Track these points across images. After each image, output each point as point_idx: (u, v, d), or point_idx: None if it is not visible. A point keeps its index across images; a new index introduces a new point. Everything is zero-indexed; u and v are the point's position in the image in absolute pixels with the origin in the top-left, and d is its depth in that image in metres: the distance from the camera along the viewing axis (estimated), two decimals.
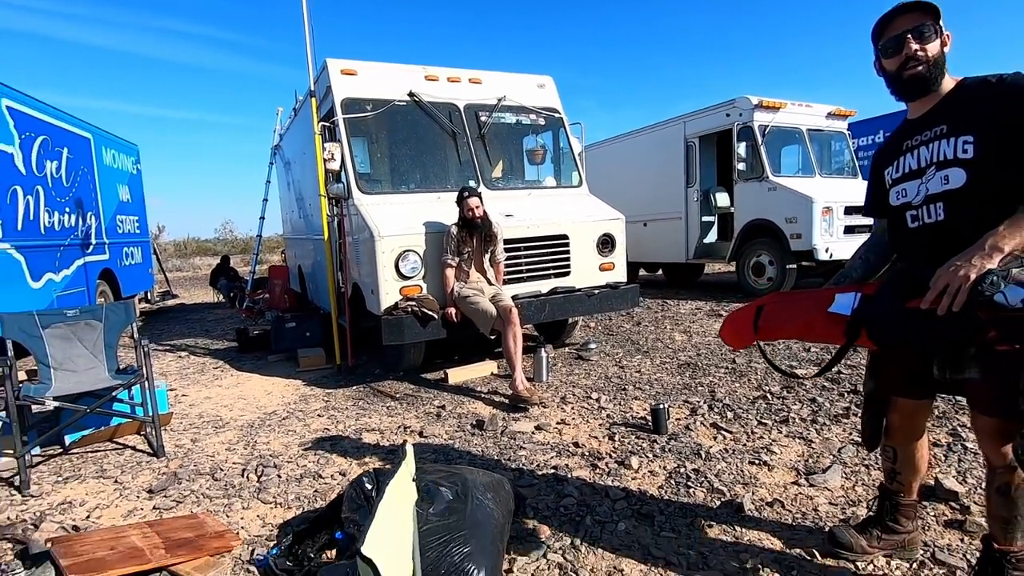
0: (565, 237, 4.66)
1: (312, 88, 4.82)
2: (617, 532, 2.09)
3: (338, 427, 3.41)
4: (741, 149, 7.34)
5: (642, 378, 4.12)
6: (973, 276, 1.26)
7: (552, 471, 2.63)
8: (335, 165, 4.40)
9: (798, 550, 1.92)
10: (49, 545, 2.02)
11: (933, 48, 1.50)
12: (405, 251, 4.04)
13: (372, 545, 0.71)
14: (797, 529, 2.06)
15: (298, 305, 7.18)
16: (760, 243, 7.31)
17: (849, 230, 6.87)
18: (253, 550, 2.07)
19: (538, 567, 1.90)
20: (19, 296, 5.38)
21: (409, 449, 0.99)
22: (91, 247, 7.20)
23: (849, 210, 6.83)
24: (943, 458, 2.55)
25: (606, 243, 4.89)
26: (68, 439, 3.24)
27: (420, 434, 3.22)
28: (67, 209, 6.64)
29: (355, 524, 1.89)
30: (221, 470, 2.85)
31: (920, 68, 1.51)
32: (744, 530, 2.06)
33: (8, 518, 2.43)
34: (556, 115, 5.55)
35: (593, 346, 5.05)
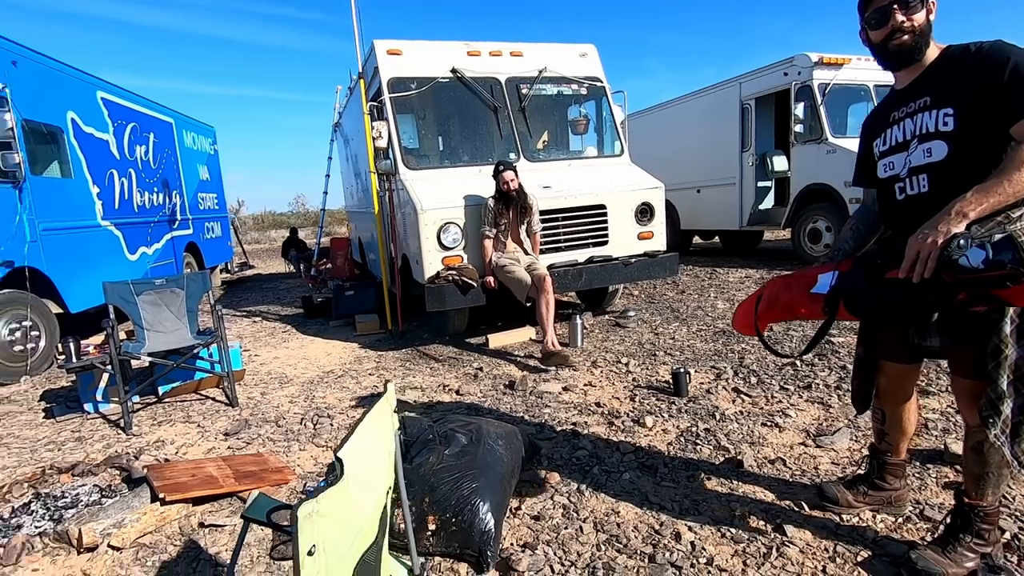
0: (603, 207, 4.75)
1: (361, 70, 5.09)
2: (621, 481, 2.29)
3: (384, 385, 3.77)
4: (799, 110, 7.01)
5: (675, 344, 4.22)
6: (940, 241, 1.32)
7: (571, 427, 2.84)
8: (383, 143, 4.68)
9: (787, 502, 2.05)
10: (145, 471, 2.47)
11: (919, 18, 1.51)
12: (446, 223, 4.29)
13: (347, 451, 0.95)
14: (792, 484, 2.18)
15: (359, 274, 7.67)
16: (817, 208, 7.03)
17: None
18: (305, 483, 2.43)
19: (544, 507, 2.14)
20: (118, 267, 6.13)
21: (391, 387, 1.23)
22: (177, 223, 7.98)
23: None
24: (954, 424, 2.54)
25: (644, 212, 4.93)
26: (161, 390, 3.79)
27: (457, 392, 3.51)
28: (155, 189, 7.38)
29: None
30: (284, 419, 3.27)
31: (906, 38, 1.53)
32: (740, 483, 2.20)
33: (116, 451, 2.94)
34: (598, 84, 5.56)
35: (632, 313, 5.16)
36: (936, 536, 1.72)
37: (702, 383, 3.35)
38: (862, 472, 2.04)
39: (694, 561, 1.77)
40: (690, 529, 1.94)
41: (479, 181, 4.64)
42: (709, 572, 1.72)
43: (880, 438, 1.92)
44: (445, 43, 5.19)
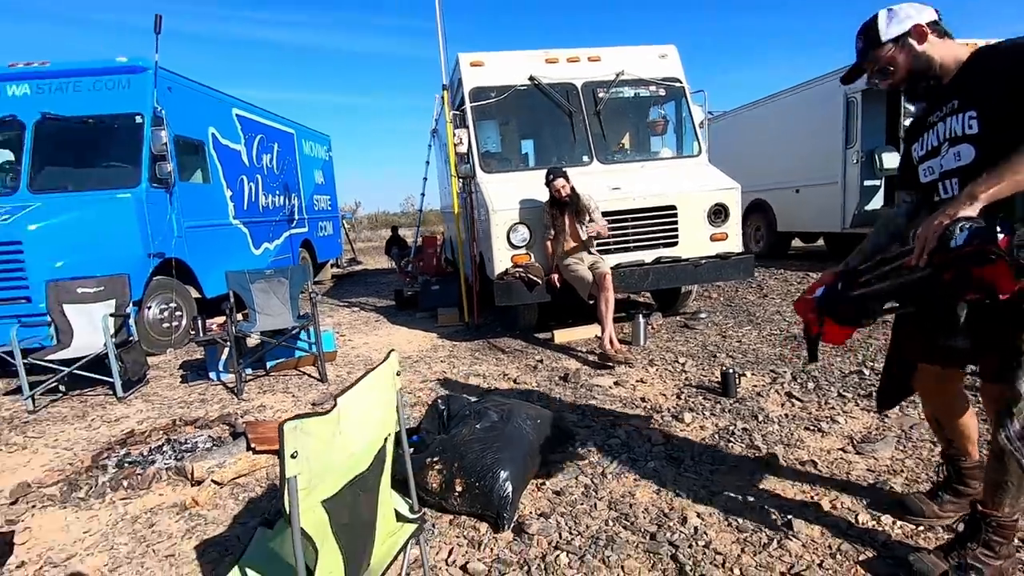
0: (672, 208, 4.77)
1: (444, 82, 5.51)
2: (645, 468, 2.41)
3: (453, 371, 4.12)
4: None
5: (739, 347, 4.16)
6: (945, 223, 1.32)
7: (611, 418, 2.99)
8: (463, 148, 5.05)
9: (805, 498, 2.07)
10: (244, 427, 2.99)
11: (903, 65, 1.57)
12: (515, 224, 4.56)
13: (343, 398, 1.22)
14: (817, 484, 2.18)
15: (449, 271, 8.20)
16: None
17: None
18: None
19: (567, 485, 2.33)
20: (245, 260, 7.09)
21: (393, 355, 1.49)
22: (295, 222, 9.00)
23: None
24: None
25: (718, 213, 4.87)
26: (268, 364, 4.42)
27: (514, 381, 3.77)
28: (277, 192, 8.40)
29: (427, 431, 2.50)
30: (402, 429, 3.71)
31: (903, 86, 1.62)
32: (763, 480, 2.24)
33: (228, 411, 3.54)
34: (677, 84, 5.55)
35: (703, 315, 5.11)
36: (944, 542, 1.69)
37: (755, 386, 3.32)
38: (939, 480, 1.99)
39: (692, 543, 1.88)
40: (698, 515, 2.04)
41: None
42: (704, 553, 1.82)
43: (948, 445, 1.87)
44: (526, 52, 5.46)
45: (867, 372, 3.36)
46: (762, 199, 9.40)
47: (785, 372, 3.49)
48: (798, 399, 3.05)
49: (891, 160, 7.12)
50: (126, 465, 2.79)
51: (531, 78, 5.28)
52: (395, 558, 1.39)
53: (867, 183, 7.61)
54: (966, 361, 1.71)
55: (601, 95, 5.35)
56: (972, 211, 1.32)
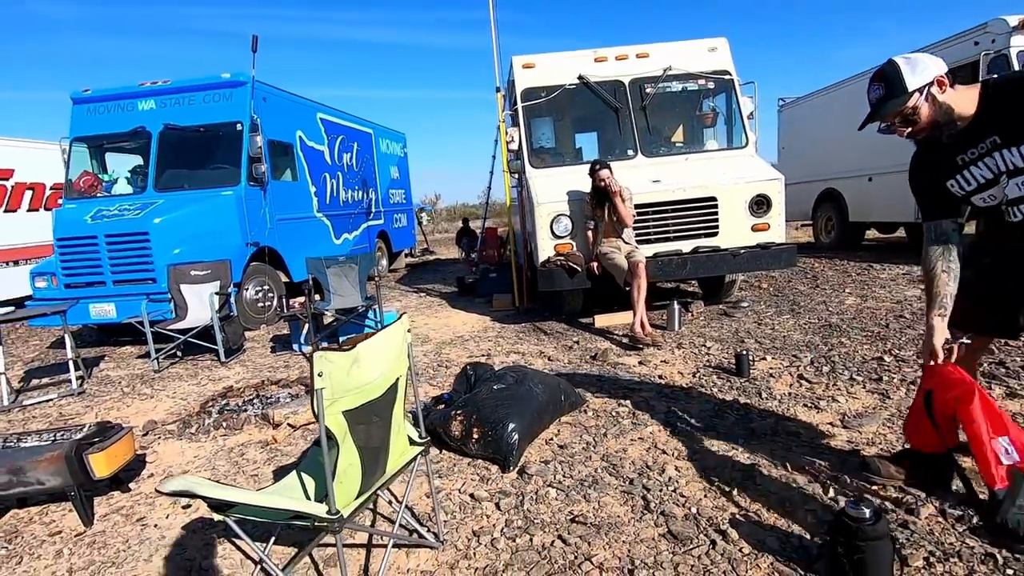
0: (713, 199, 4.92)
1: (497, 85, 5.92)
2: (643, 432, 2.74)
3: (496, 348, 4.58)
4: None
5: (771, 334, 4.29)
6: None
7: (626, 391, 3.31)
8: (515, 146, 5.47)
9: (776, 459, 2.32)
10: None
11: (925, 115, 1.67)
12: (558, 215, 4.92)
13: (363, 345, 1.68)
14: (794, 448, 2.42)
15: (509, 261, 8.67)
16: None
17: None
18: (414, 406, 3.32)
19: (571, 441, 2.70)
20: (327, 249, 7.92)
21: (405, 317, 1.93)
22: (372, 215, 9.82)
23: None
24: None
25: (760, 204, 4.96)
26: (341, 339, 5.09)
27: (549, 358, 4.16)
28: (356, 187, 9.23)
29: (456, 391, 2.97)
30: (415, 365, 4.24)
31: (924, 134, 1.73)
32: (746, 445, 2.50)
33: (304, 375, 4.20)
34: (726, 77, 5.64)
35: (745, 304, 5.23)
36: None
37: (771, 368, 3.50)
38: (906, 448, 2.15)
39: (663, 487, 2.21)
40: (676, 469, 2.35)
41: None
42: (671, 496, 2.15)
43: None
44: (576, 52, 5.76)
45: (888, 360, 3.44)
46: (833, 188, 9.09)
47: (806, 357, 3.63)
48: (807, 381, 3.22)
49: None
50: (225, 412, 3.48)
51: (580, 77, 5.58)
52: (404, 468, 1.85)
53: None
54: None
55: (648, 90, 5.56)
56: None
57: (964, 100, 1.66)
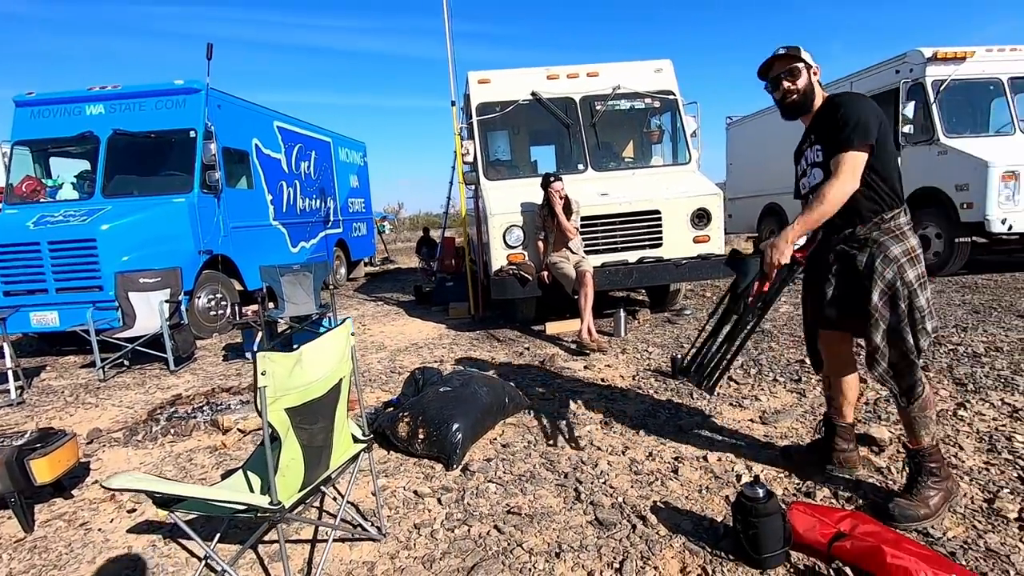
0: (657, 212, 5.19)
1: (453, 99, 6.09)
2: (581, 431, 2.90)
3: (450, 355, 4.69)
4: (908, 110, 6.59)
5: None
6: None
7: (569, 393, 3.48)
8: (470, 158, 5.63)
9: (700, 453, 2.53)
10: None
11: (803, 82, 2.06)
12: (511, 226, 5.09)
13: (306, 347, 1.79)
14: (715, 443, 2.63)
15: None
16: (926, 214, 6.57)
17: None
18: (367, 411, 3.41)
19: (513, 440, 2.85)
20: (283, 257, 7.88)
21: (348, 320, 2.05)
22: (330, 223, 9.80)
23: None
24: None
25: (701, 217, 5.26)
26: (295, 346, 5.10)
27: (500, 364, 4.30)
28: (314, 196, 9.20)
29: (404, 395, 3.08)
30: (368, 371, 4.33)
31: (795, 98, 2.09)
32: (674, 440, 2.70)
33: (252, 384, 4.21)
34: (671, 97, 5.96)
35: (688, 312, 5.51)
36: (903, 487, 2.02)
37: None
38: (818, 437, 2.42)
39: (595, 480, 2.38)
40: (608, 464, 2.53)
41: None
42: (601, 487, 2.32)
43: (829, 403, 2.31)
44: (530, 70, 5.98)
45: (808, 362, 3.72)
46: (775, 203, 9.61)
47: (737, 360, 3.88)
48: (735, 381, 3.47)
49: None
50: (174, 419, 3.48)
51: (533, 93, 5.80)
52: (348, 464, 1.96)
53: None
54: (840, 326, 2.13)
55: (598, 107, 5.82)
56: (787, 249, 1.95)
57: (818, 95, 2.08)
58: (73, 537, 2.25)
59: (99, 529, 2.30)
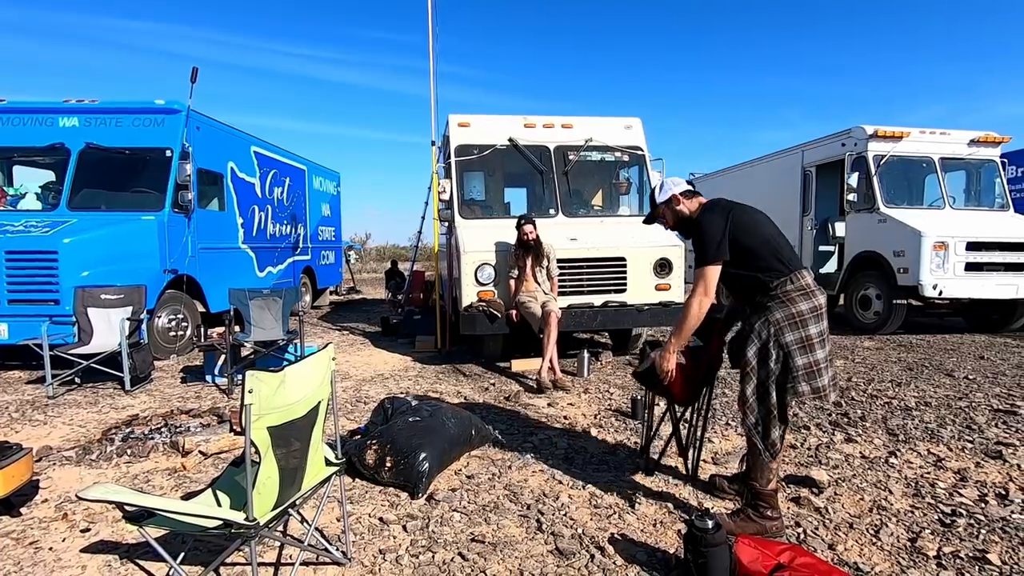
0: (622, 259, 5.45)
1: (433, 139, 6.32)
2: (543, 465, 3.01)
3: (415, 388, 4.74)
4: (853, 180, 7.19)
5: None
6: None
7: (532, 429, 3.59)
8: (447, 197, 5.81)
9: (658, 489, 2.66)
10: (229, 413, 3.61)
11: (669, 217, 2.46)
12: (483, 264, 5.25)
13: (288, 369, 1.87)
14: (671, 480, 2.77)
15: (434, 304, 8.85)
16: (868, 276, 7.08)
17: (974, 267, 6.38)
18: (329, 437, 3.42)
19: (478, 472, 2.92)
20: (249, 281, 7.80)
21: (330, 347, 2.14)
22: (299, 250, 9.76)
23: (975, 246, 6.36)
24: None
25: (663, 266, 5.54)
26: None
27: (465, 398, 4.38)
28: (285, 222, 9.19)
29: (373, 423, 3.13)
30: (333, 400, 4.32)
31: (675, 229, 2.52)
32: (633, 477, 2.83)
33: (217, 406, 4.15)
34: (639, 153, 6.34)
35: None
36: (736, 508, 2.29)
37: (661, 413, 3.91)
38: (740, 470, 2.62)
39: (556, 512, 2.47)
40: (569, 497, 2.63)
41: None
42: (561, 519, 2.41)
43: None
44: (508, 117, 6.28)
45: None
46: None
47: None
48: (692, 424, 3.64)
49: (841, 229, 7.84)
50: (130, 439, 3.41)
51: (510, 139, 6.08)
52: (320, 486, 2.01)
53: (821, 248, 8.33)
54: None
55: (571, 157, 6.14)
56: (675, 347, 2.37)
57: (692, 206, 2.40)
58: (22, 556, 2.19)
59: (50, 548, 2.25)
